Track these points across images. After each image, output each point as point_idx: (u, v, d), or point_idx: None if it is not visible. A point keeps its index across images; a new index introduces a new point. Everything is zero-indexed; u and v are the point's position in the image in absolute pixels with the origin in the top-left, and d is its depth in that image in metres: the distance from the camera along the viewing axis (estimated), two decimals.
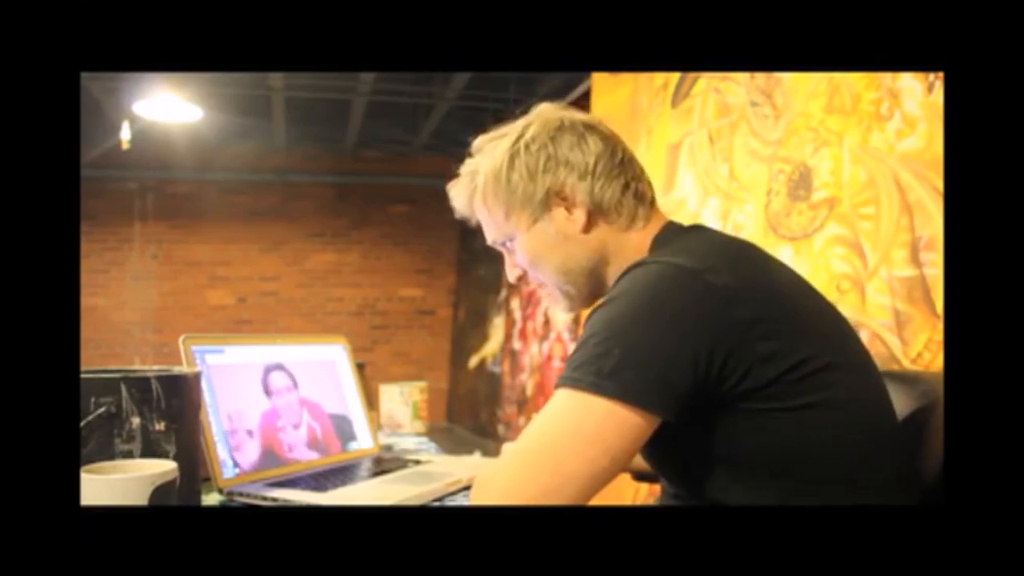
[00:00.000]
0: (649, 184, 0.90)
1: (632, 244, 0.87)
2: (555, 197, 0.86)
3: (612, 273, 0.88)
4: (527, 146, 0.85)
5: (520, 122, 0.89)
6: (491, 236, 0.93)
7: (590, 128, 0.87)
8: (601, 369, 0.69)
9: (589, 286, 0.90)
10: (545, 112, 0.89)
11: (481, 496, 0.73)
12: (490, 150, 0.89)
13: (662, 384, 0.69)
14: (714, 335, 0.69)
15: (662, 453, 0.81)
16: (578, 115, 0.88)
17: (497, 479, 0.71)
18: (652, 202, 0.89)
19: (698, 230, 0.88)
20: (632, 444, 0.69)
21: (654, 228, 0.87)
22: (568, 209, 0.86)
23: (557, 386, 0.72)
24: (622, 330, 0.71)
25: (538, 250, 0.89)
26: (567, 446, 0.69)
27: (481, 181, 0.89)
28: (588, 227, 0.86)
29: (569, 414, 0.70)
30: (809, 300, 0.81)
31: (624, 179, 0.86)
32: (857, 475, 0.74)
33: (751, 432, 0.72)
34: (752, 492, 0.74)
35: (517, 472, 0.70)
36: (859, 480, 0.74)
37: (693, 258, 0.74)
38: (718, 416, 0.73)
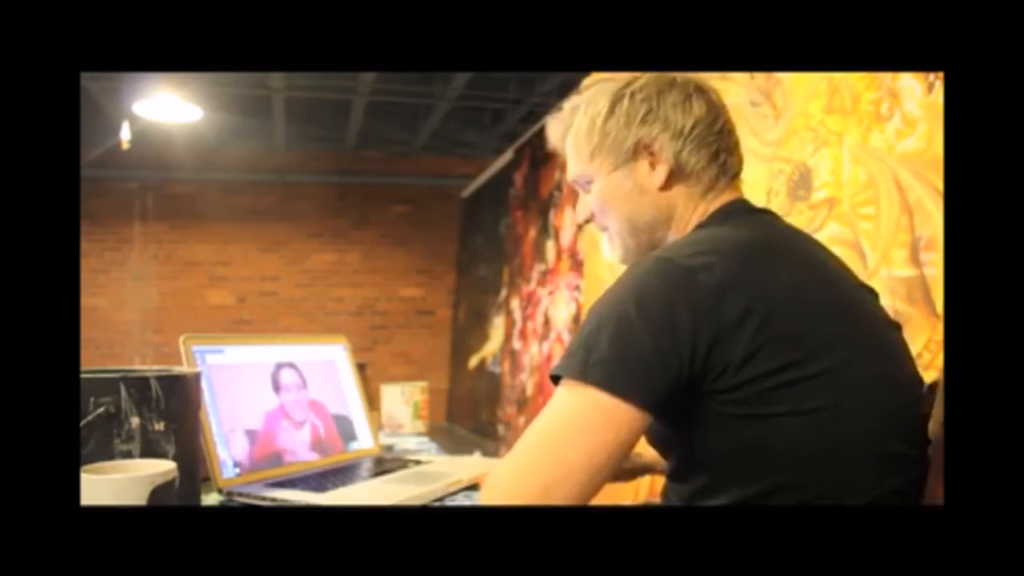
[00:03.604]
0: (740, 159, 0.90)
1: (698, 213, 0.88)
2: (643, 150, 0.87)
3: (672, 236, 0.89)
4: (632, 94, 0.86)
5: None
6: (572, 173, 0.94)
7: (700, 91, 0.87)
8: (589, 358, 0.70)
9: (649, 243, 0.91)
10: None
11: (490, 497, 0.73)
12: (597, 91, 0.90)
13: (644, 375, 0.69)
14: (697, 332, 0.70)
15: (657, 438, 0.83)
16: (693, 76, 0.89)
17: (503, 478, 0.72)
18: (735, 176, 0.90)
19: (745, 215, 0.87)
20: (626, 437, 0.70)
21: (720, 201, 0.88)
22: (652, 164, 0.87)
23: (551, 373, 0.74)
24: (610, 324, 0.72)
25: (611, 197, 0.90)
26: (566, 438, 0.69)
27: (579, 118, 0.91)
28: (666, 186, 0.87)
29: (565, 407, 0.71)
30: (827, 298, 0.78)
31: (716, 148, 0.87)
32: (840, 480, 0.73)
33: (731, 430, 0.73)
34: (731, 491, 0.75)
35: (523, 468, 0.71)
36: (841, 485, 0.73)
37: (695, 254, 0.74)
38: (700, 413, 0.73)
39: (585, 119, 0.89)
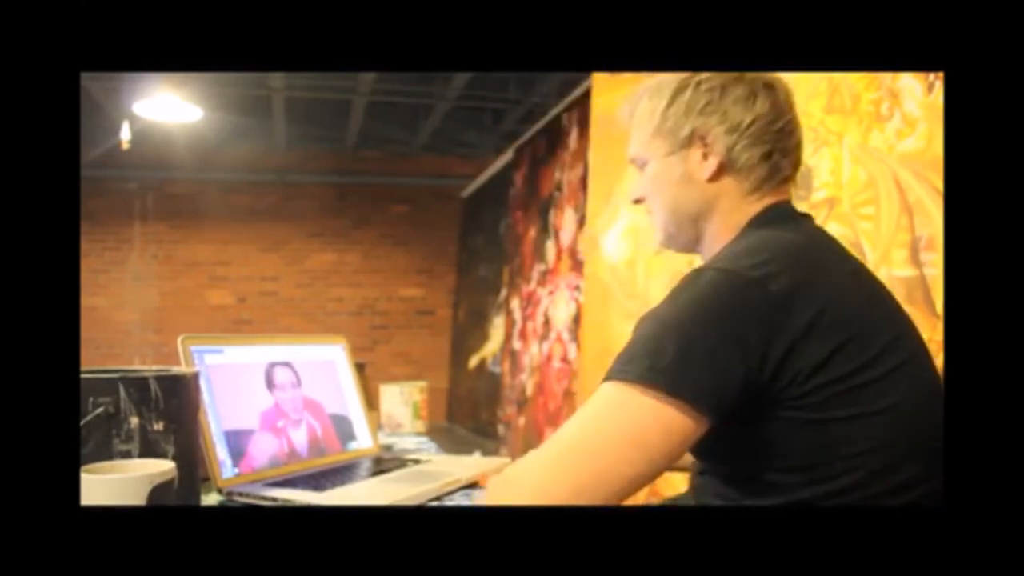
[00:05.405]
0: (794, 164, 0.90)
1: (741, 211, 0.87)
2: (698, 140, 0.87)
3: (711, 229, 0.89)
4: (698, 84, 0.87)
5: None
6: (631, 152, 0.96)
7: (767, 88, 0.87)
8: (655, 364, 0.68)
9: (689, 232, 0.91)
10: None
11: (508, 494, 0.71)
12: (667, 77, 0.91)
13: (714, 385, 0.68)
14: (769, 341, 0.69)
15: (707, 446, 0.79)
16: (765, 73, 0.89)
17: (530, 476, 0.70)
18: (785, 180, 0.89)
19: (792, 221, 0.87)
20: (676, 448, 0.69)
21: (765, 203, 0.87)
22: (704, 155, 0.87)
23: (606, 380, 0.71)
24: (678, 331, 0.70)
25: (661, 181, 0.91)
26: (608, 444, 0.68)
27: (645, 100, 0.92)
28: (714, 178, 0.87)
29: (614, 411, 0.69)
30: (877, 301, 0.80)
31: (770, 147, 0.86)
32: (904, 478, 0.73)
33: (800, 434, 0.72)
34: (788, 491, 0.73)
35: (554, 468, 0.69)
36: (905, 483, 0.73)
37: (757, 264, 0.73)
38: (767, 419, 0.72)
39: (650, 103, 0.91)
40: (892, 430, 0.72)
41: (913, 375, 0.76)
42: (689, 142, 0.87)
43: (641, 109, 0.93)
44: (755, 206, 0.87)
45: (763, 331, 0.69)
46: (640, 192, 0.95)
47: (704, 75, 0.87)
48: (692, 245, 0.93)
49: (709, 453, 0.82)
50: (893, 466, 0.72)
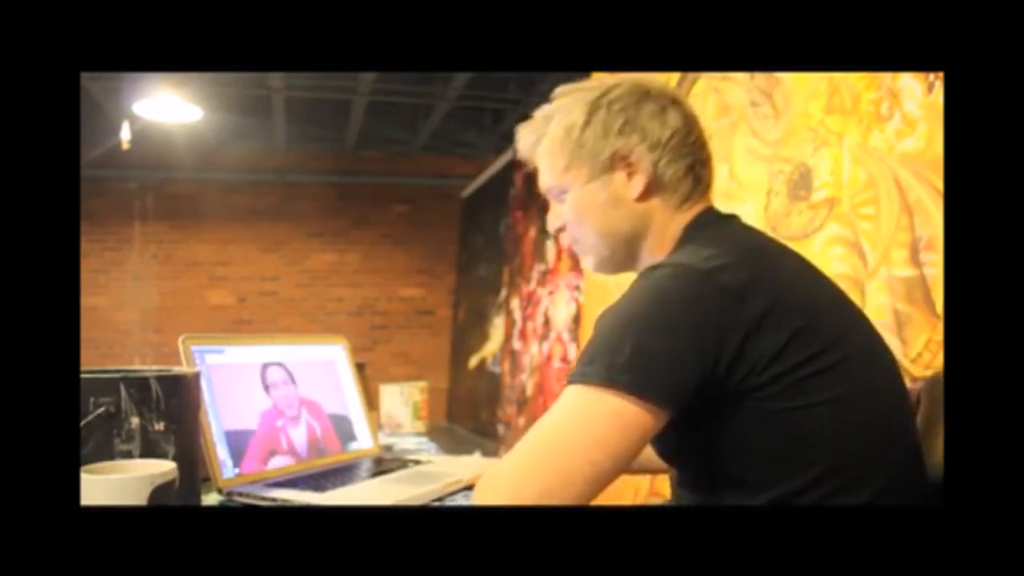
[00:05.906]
0: (711, 171, 0.91)
1: (674, 224, 0.88)
2: (620, 161, 0.86)
3: (647, 247, 0.89)
4: (610, 104, 0.86)
5: (609, 80, 0.89)
6: (545, 184, 0.93)
7: (674, 103, 0.87)
8: (613, 363, 0.70)
9: (623, 253, 0.91)
10: (634, 77, 0.89)
11: (485, 496, 0.73)
12: (571, 100, 0.89)
13: (673, 379, 0.70)
14: (724, 332, 0.70)
15: (676, 448, 0.82)
16: (666, 88, 0.89)
17: (502, 478, 0.72)
18: (707, 187, 0.90)
19: (726, 223, 0.88)
20: (636, 444, 0.70)
21: (695, 212, 0.88)
22: (629, 175, 0.86)
23: (569, 383, 0.73)
24: (634, 328, 0.72)
25: (586, 208, 0.89)
26: (572, 446, 0.69)
27: (553, 127, 0.90)
28: (643, 197, 0.87)
29: (577, 413, 0.71)
30: (823, 292, 0.82)
31: (691, 160, 0.87)
32: (866, 468, 0.74)
33: (768, 425, 0.73)
34: (759, 487, 0.74)
35: (522, 471, 0.71)
36: (868, 474, 0.74)
37: (709, 258, 0.75)
38: (729, 412, 0.73)
39: (560, 129, 0.88)
40: (851, 417, 0.74)
41: (867, 364, 0.78)
42: (611, 164, 0.86)
43: (550, 138, 0.90)
44: (686, 215, 0.88)
45: (719, 322, 0.70)
46: (560, 221, 0.93)
47: (612, 94, 0.86)
48: (627, 265, 0.92)
49: (675, 454, 0.84)
50: (857, 455, 0.74)
